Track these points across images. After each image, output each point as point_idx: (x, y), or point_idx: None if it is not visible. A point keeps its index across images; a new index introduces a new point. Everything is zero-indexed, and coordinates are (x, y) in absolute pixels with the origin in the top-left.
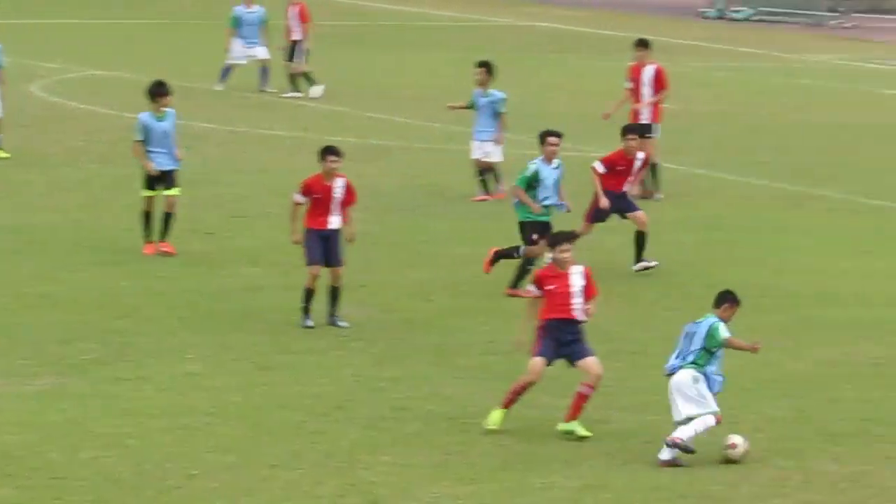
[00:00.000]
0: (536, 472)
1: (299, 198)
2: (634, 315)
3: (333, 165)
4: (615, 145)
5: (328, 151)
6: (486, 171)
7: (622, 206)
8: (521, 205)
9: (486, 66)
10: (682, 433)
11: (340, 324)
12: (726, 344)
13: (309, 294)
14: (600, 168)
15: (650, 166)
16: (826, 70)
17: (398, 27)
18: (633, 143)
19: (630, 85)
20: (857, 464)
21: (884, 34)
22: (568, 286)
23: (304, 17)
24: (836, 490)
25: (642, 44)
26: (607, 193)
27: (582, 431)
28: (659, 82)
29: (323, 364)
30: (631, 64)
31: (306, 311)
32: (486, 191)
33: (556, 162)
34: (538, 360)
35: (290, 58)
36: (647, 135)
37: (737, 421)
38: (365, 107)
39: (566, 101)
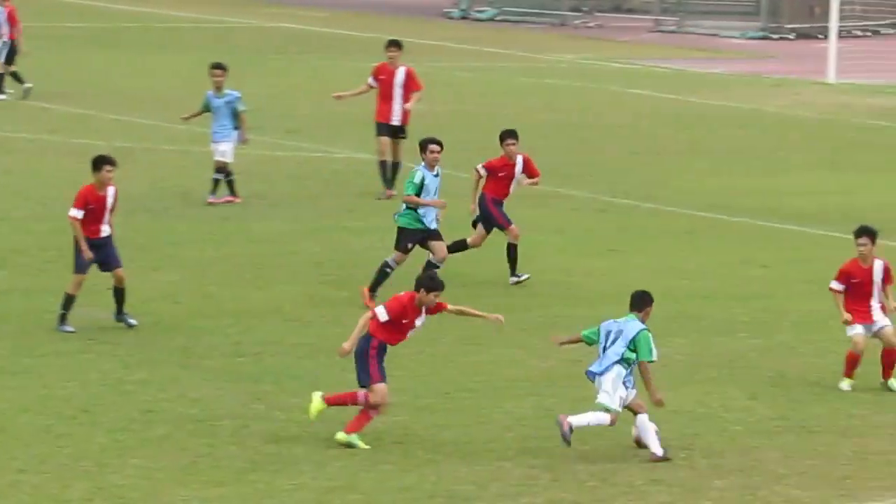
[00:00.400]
0: (285, 474)
1: (77, 213)
2: None
3: (109, 175)
4: (363, 146)
5: (104, 161)
6: (221, 171)
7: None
8: (404, 213)
9: (221, 67)
10: (576, 419)
11: (130, 321)
12: (644, 368)
13: (70, 300)
14: (482, 172)
15: (392, 165)
16: (570, 70)
17: (141, 28)
18: (512, 147)
19: (374, 83)
20: (605, 462)
21: (626, 33)
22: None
23: (12, 20)
24: (585, 488)
25: (395, 45)
26: (493, 201)
27: (362, 444)
28: (413, 84)
29: (69, 367)
30: (378, 63)
31: (64, 317)
32: (232, 192)
33: (437, 170)
34: (384, 386)
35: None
36: (400, 136)
37: (486, 421)
38: (110, 109)
39: (311, 103)
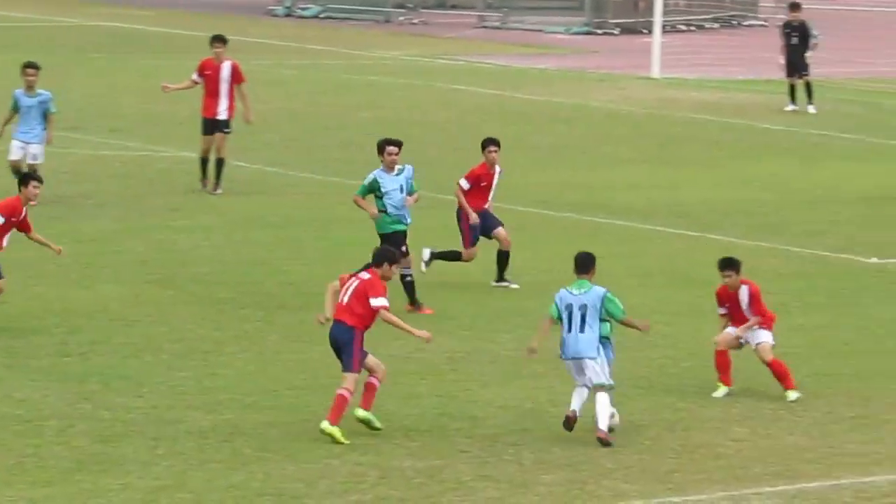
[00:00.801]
0: (112, 474)
1: None
2: (207, 314)
3: None
4: (188, 144)
5: None
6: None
7: (486, 223)
8: (379, 220)
9: (34, 66)
10: (602, 423)
11: None
12: (623, 321)
13: None
14: (465, 185)
15: (217, 162)
16: (395, 67)
17: None
18: (494, 154)
19: (198, 79)
20: (433, 458)
21: (451, 30)
22: None
23: None
24: (412, 485)
25: (220, 40)
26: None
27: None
28: (238, 77)
29: None
30: (204, 59)
31: None
32: None
33: (398, 169)
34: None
35: None
36: (225, 130)
37: (313, 418)
38: None
39: (136, 101)
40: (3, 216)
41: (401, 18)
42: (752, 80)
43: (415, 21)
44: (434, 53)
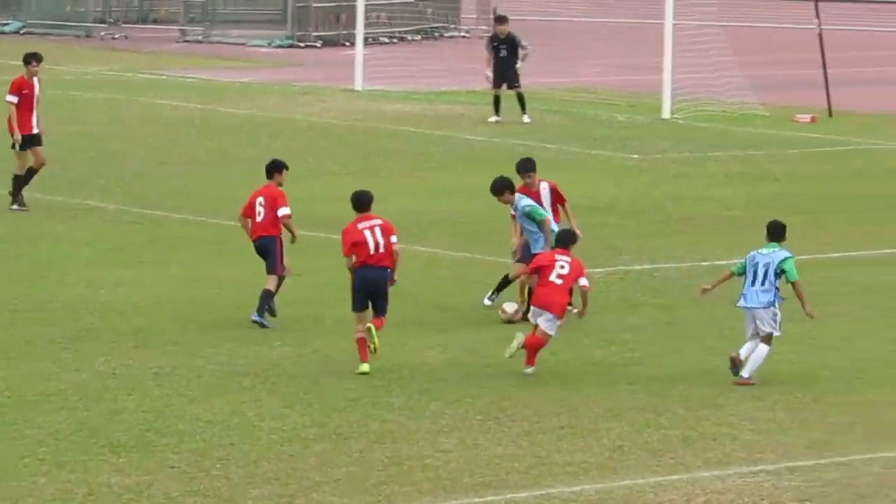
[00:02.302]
0: None
1: None
2: None
3: None
4: None
5: None
6: None
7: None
8: None
9: None
10: (751, 368)
11: None
12: (795, 284)
13: None
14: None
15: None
16: (97, 81)
17: None
18: (533, 178)
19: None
20: (141, 474)
21: (153, 44)
22: None
23: None
24: (121, 501)
25: (36, 58)
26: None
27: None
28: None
29: None
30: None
31: None
32: None
33: None
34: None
35: None
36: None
37: (18, 436)
38: None
39: None
40: None
41: (102, 33)
42: (455, 91)
43: (116, 36)
44: (136, 68)
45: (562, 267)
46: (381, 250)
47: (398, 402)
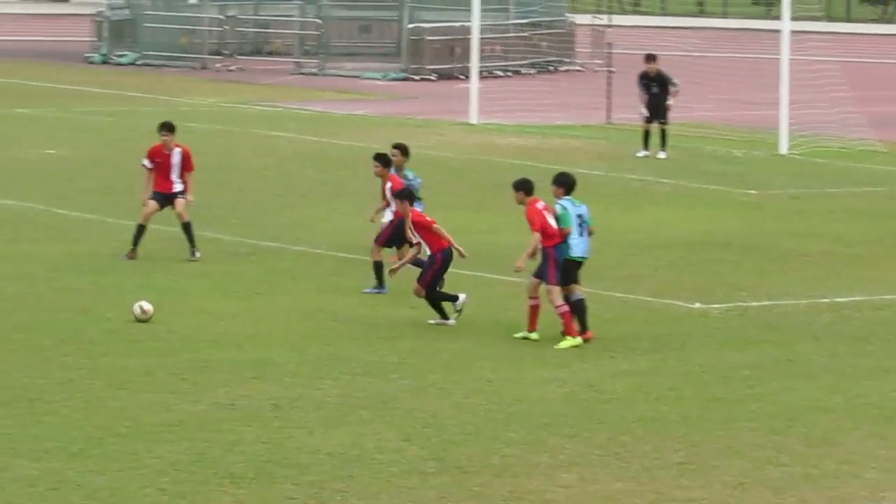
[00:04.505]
0: None
1: None
2: (31, 362)
3: None
4: (3, 191)
5: None
6: None
7: None
8: None
9: None
10: None
11: None
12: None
13: None
14: None
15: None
16: (213, 113)
17: None
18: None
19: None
20: None
21: (268, 76)
22: None
23: None
24: None
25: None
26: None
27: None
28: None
29: None
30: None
31: None
32: None
33: None
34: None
35: None
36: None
37: (138, 466)
38: None
39: None
40: None
41: (218, 65)
42: (571, 125)
43: (232, 68)
44: (251, 100)
45: None
46: None
47: (517, 436)
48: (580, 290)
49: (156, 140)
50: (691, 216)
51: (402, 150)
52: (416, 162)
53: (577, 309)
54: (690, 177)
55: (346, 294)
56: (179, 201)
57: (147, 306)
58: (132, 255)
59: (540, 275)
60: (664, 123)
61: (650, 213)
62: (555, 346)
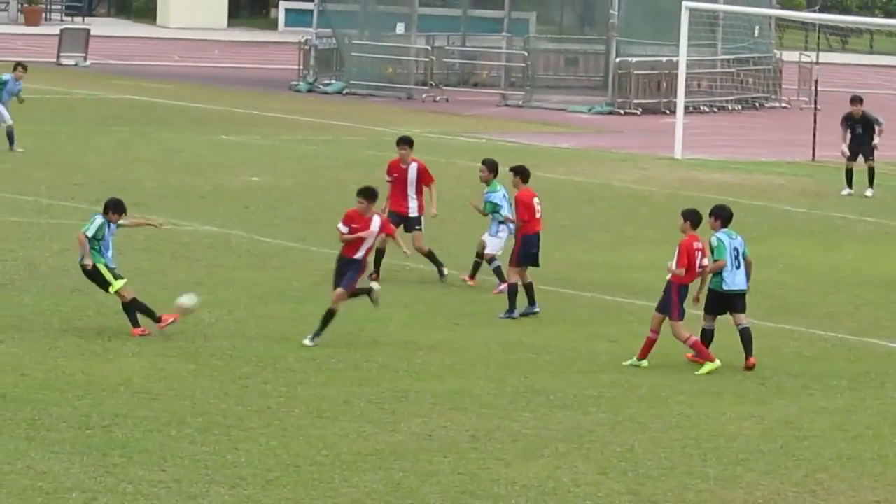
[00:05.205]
0: None
1: None
2: (230, 389)
3: None
4: (209, 219)
5: None
6: None
7: None
8: None
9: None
10: None
11: None
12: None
13: None
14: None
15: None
16: (417, 143)
17: None
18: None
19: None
20: None
21: (473, 108)
22: None
23: None
24: None
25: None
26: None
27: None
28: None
29: None
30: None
31: None
32: None
33: None
34: None
35: None
36: (417, 227)
37: (335, 495)
38: None
39: (156, 174)
40: None
41: (423, 96)
42: (775, 161)
43: (437, 98)
44: (456, 131)
45: None
46: None
47: (713, 472)
48: (745, 319)
49: (360, 169)
50: (893, 254)
51: (489, 165)
52: (620, 195)
53: (744, 336)
54: (894, 215)
55: (546, 325)
56: (417, 236)
57: (187, 303)
58: (374, 276)
59: (663, 310)
60: (871, 161)
61: (851, 251)
62: (695, 373)
